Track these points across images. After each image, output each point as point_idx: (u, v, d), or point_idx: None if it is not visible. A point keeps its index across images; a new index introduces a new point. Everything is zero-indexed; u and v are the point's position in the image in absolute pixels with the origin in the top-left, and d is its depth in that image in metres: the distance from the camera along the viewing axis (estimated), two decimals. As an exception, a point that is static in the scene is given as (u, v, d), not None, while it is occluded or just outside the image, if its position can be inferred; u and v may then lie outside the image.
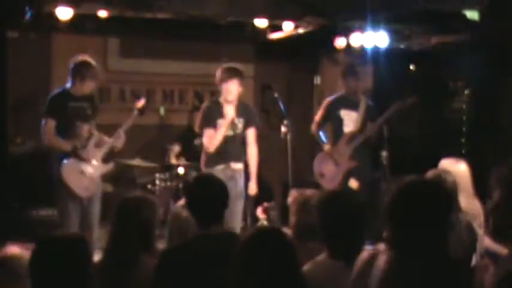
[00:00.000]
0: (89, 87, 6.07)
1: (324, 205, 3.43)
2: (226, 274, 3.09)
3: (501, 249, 4.19)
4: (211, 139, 6.28)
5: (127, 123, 6.27)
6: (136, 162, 7.82)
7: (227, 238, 3.45)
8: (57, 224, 6.39)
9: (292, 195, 4.12)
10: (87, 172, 6.01)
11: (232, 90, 6.31)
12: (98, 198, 6.15)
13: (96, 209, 6.11)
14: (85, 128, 6.08)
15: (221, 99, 6.40)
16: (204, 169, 6.38)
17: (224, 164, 6.33)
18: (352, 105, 7.03)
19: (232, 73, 6.34)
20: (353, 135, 6.94)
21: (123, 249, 3.52)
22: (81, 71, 6.01)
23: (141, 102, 6.37)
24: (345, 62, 7.82)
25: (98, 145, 6.14)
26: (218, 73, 6.38)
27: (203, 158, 6.45)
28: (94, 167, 6.07)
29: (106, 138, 6.21)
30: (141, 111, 6.34)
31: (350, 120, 7.00)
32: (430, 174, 4.37)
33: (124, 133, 6.21)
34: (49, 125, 5.96)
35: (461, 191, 4.40)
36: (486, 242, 4.44)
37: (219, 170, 6.17)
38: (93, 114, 6.20)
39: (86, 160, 6.01)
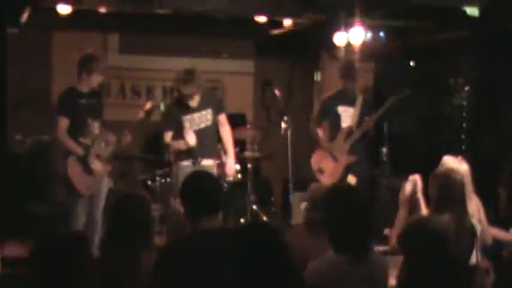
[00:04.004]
0: (96, 80, 6.11)
1: (330, 201, 3.44)
2: (223, 269, 3.11)
3: (507, 236, 4.37)
4: (179, 145, 6.28)
5: (133, 125, 6.29)
6: (137, 158, 7.81)
7: (223, 234, 3.45)
8: (59, 221, 6.41)
9: (310, 189, 4.15)
10: (91, 171, 6.04)
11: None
12: (103, 195, 6.17)
13: (100, 206, 6.13)
14: (96, 125, 6.12)
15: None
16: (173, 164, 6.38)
17: (191, 159, 6.32)
18: (350, 102, 7.04)
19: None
20: (350, 131, 6.95)
21: (122, 248, 3.51)
22: (87, 64, 6.06)
23: (148, 105, 6.39)
24: (345, 58, 7.81)
25: (105, 144, 6.17)
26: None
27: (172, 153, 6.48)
28: (98, 166, 6.09)
29: (112, 137, 6.23)
30: (148, 113, 6.36)
31: (347, 116, 7.01)
32: (437, 173, 4.34)
33: (129, 134, 6.24)
34: (63, 124, 6.00)
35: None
36: (493, 231, 4.57)
37: (186, 166, 6.20)
38: (101, 111, 6.23)
39: (90, 170, 6.03)
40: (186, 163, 6.30)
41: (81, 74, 6.07)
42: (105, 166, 6.17)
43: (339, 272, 3.26)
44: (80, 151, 6.01)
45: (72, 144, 6.02)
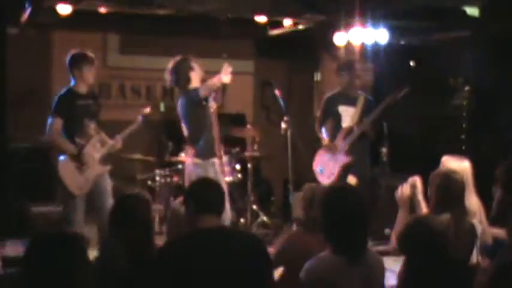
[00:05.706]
0: (89, 75, 6.08)
1: (327, 201, 3.44)
2: (222, 268, 3.11)
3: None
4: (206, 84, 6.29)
5: (130, 129, 6.29)
6: (137, 158, 7.82)
7: (221, 233, 3.45)
8: (60, 220, 6.40)
9: (303, 189, 4.16)
10: (83, 171, 6.01)
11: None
12: (107, 195, 6.10)
13: (104, 206, 6.01)
14: (92, 126, 6.11)
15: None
16: (195, 160, 6.32)
17: (215, 157, 6.33)
18: (350, 101, 7.02)
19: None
20: (350, 131, 6.94)
21: (122, 248, 3.51)
22: (76, 61, 6.03)
23: (146, 110, 6.40)
24: (344, 58, 7.80)
25: (101, 145, 6.16)
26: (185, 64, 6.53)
27: (192, 150, 6.37)
28: (91, 167, 6.06)
29: (107, 139, 6.22)
30: (145, 118, 6.37)
31: (348, 115, 7.00)
32: (437, 173, 4.33)
33: (121, 140, 6.23)
34: (56, 123, 5.96)
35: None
36: (494, 231, 4.59)
37: (213, 163, 6.21)
38: (98, 112, 6.23)
39: (86, 164, 6.01)
40: (213, 160, 6.32)
41: (73, 73, 6.05)
42: (102, 166, 6.15)
43: (336, 272, 3.26)
44: (73, 150, 5.98)
45: (65, 144, 5.98)
